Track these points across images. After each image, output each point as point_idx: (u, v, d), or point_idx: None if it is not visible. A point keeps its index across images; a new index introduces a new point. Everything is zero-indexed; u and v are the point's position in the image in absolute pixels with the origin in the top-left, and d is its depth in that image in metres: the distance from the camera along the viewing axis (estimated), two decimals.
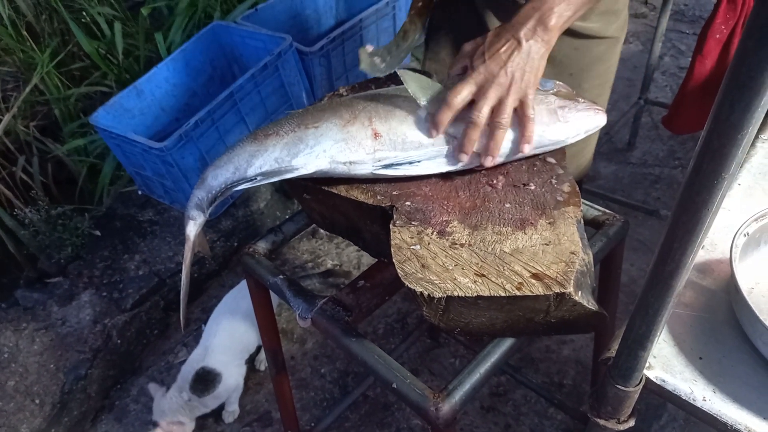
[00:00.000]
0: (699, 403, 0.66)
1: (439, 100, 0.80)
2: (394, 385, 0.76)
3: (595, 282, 0.78)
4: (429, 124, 0.80)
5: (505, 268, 0.69)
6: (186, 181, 1.90)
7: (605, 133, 2.44)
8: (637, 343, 0.59)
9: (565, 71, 1.09)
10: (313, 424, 1.59)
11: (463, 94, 0.77)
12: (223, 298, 1.79)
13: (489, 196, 0.80)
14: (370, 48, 0.87)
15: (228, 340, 1.67)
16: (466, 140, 0.79)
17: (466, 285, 0.67)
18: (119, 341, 1.81)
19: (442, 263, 0.70)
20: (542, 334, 0.76)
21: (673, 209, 0.48)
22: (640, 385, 0.65)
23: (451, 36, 1.19)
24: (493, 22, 1.10)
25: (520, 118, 0.79)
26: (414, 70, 0.88)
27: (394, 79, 0.99)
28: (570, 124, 0.83)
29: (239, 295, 1.74)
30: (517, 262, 0.69)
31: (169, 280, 1.94)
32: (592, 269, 0.75)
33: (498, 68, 0.77)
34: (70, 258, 1.96)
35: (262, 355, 1.79)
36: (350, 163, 0.81)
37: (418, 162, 0.82)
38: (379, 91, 0.91)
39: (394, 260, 0.71)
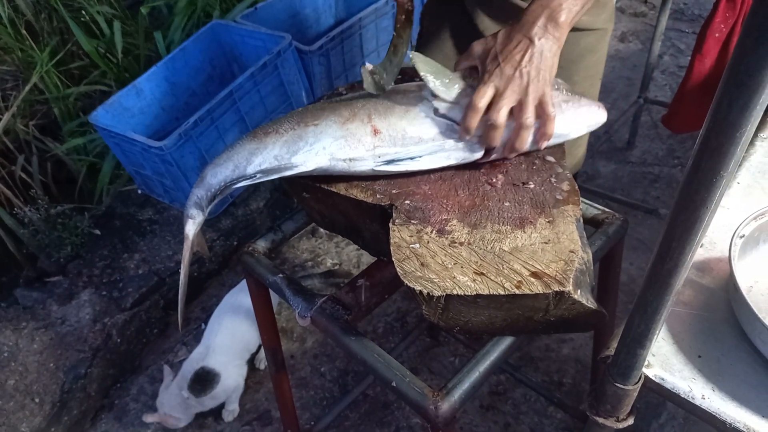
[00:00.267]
0: (698, 402, 0.66)
1: (460, 105, 0.81)
2: (394, 384, 0.76)
3: (594, 280, 0.78)
4: (460, 129, 0.80)
5: (505, 266, 0.69)
6: (185, 180, 1.90)
7: (604, 131, 2.44)
8: (636, 342, 0.59)
9: None
10: (312, 423, 1.59)
11: (487, 96, 0.78)
12: (225, 296, 1.79)
13: (488, 194, 0.80)
14: (370, 66, 0.88)
15: (229, 339, 1.67)
16: (490, 141, 0.80)
17: (466, 283, 0.67)
18: (119, 340, 1.81)
19: (441, 262, 0.70)
20: (541, 332, 0.76)
21: (672, 208, 0.48)
22: (639, 384, 0.65)
23: (444, 40, 1.19)
24: (484, 21, 1.10)
25: (541, 116, 0.80)
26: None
27: None
28: (574, 119, 0.84)
29: (241, 294, 1.74)
30: (516, 260, 0.69)
31: (169, 279, 1.94)
32: (592, 268, 0.75)
33: (513, 70, 0.77)
34: (69, 257, 1.96)
35: (262, 353, 1.78)
36: (350, 160, 0.81)
37: (419, 157, 0.82)
38: None
39: (393, 259, 0.71)
